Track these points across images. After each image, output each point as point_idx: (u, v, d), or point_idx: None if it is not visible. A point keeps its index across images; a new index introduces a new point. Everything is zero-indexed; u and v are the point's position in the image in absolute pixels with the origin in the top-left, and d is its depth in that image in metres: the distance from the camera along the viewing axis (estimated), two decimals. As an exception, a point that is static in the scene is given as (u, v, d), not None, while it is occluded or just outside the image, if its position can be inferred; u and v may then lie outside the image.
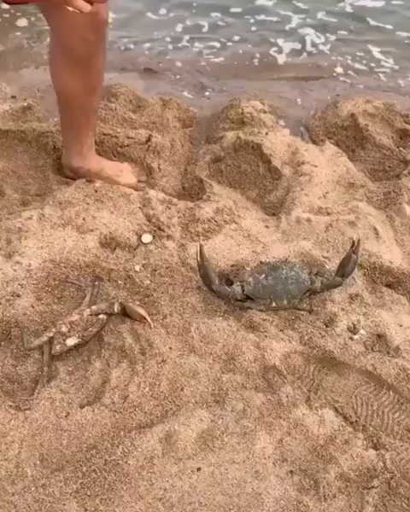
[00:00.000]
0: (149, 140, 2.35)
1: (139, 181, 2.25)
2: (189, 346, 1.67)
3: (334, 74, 3.09)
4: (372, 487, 1.38)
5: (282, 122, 2.62)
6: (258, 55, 3.15)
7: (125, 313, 1.72)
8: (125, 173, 2.21)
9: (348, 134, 2.53)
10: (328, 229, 2.04)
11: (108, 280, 1.84)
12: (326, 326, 1.75)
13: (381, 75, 3.07)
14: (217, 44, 3.24)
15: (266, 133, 2.40)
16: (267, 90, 2.86)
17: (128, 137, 2.35)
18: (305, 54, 3.22)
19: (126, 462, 1.40)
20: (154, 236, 1.98)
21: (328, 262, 1.94)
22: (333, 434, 1.48)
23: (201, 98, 2.87)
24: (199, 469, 1.40)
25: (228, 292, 1.77)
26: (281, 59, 3.20)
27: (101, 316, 1.68)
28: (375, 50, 3.25)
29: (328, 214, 2.11)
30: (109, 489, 1.36)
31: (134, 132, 2.38)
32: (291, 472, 1.41)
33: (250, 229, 2.06)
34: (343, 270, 1.82)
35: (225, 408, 1.53)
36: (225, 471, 1.40)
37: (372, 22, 3.39)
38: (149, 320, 1.70)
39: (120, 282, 1.85)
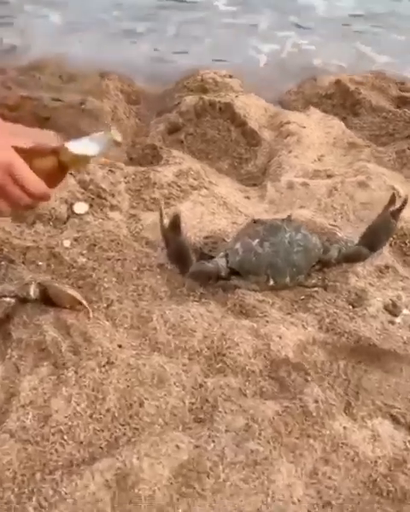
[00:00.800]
0: (83, 103, 1.89)
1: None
2: (150, 341, 1.13)
3: (314, 64, 2.71)
4: None
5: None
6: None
7: (48, 299, 1.17)
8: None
9: (334, 102, 2.15)
10: (332, 194, 1.58)
11: (23, 262, 1.30)
12: (352, 306, 1.24)
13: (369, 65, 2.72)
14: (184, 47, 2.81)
15: (236, 96, 1.97)
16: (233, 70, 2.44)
17: (55, 100, 1.87)
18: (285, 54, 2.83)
19: (46, 528, 0.81)
20: (91, 205, 1.46)
21: (339, 230, 1.46)
22: (399, 456, 0.93)
23: (151, 77, 2.45)
24: (180, 530, 0.82)
25: (210, 269, 1.25)
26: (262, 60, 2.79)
27: (7, 299, 1.13)
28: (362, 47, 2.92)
29: (329, 177, 1.65)
30: None
31: (63, 95, 1.92)
32: (343, 524, 0.85)
33: (227, 198, 1.58)
34: (373, 240, 1.33)
35: (216, 427, 0.97)
36: (226, 531, 0.82)
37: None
38: (86, 304, 1.15)
39: (40, 263, 1.31)
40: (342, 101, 2.13)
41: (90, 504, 0.83)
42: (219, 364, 1.08)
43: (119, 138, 1.03)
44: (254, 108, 1.92)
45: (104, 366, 1.06)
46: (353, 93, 2.11)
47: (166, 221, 1.23)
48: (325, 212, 1.55)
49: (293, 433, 0.96)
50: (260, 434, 0.95)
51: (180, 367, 1.08)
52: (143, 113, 2.15)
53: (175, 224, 1.20)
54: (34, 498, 0.83)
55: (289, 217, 1.34)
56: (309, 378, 1.05)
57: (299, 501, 0.87)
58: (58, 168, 1.01)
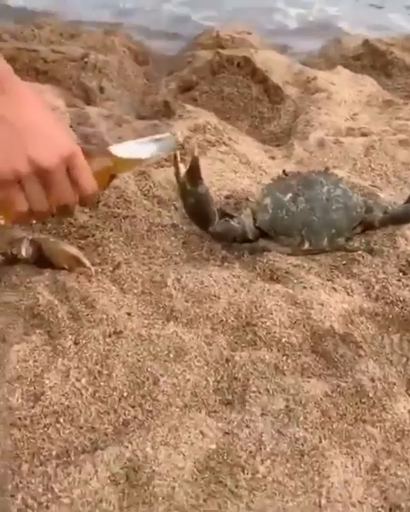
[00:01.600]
0: (85, 56, 1.70)
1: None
2: (164, 309, 0.95)
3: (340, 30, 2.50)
4: None
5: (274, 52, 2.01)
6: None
7: (42, 259, 0.99)
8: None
9: (363, 63, 1.98)
10: (369, 153, 1.41)
11: (15, 221, 1.11)
12: (404, 273, 1.05)
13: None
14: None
15: (256, 51, 1.79)
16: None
17: (54, 52, 1.69)
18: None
19: (33, 534, 0.62)
20: (95, 160, 1.28)
21: (380, 192, 1.28)
22: None
23: (162, 39, 2.26)
24: (209, 540, 0.64)
25: (235, 229, 1.07)
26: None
27: (-7, 256, 0.95)
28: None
29: (364, 135, 1.47)
30: None
31: (65, 47, 1.74)
32: (418, 532, 0.66)
33: (249, 156, 1.40)
34: None
35: (249, 409, 0.78)
36: (269, 540, 0.64)
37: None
38: (89, 264, 0.97)
39: (34, 221, 1.12)
40: (371, 62, 1.96)
41: (92, 505, 0.65)
42: (249, 336, 0.90)
43: (180, 139, 1.03)
44: (276, 64, 1.74)
45: (110, 336, 0.88)
46: (384, 53, 1.93)
47: (183, 170, 1.04)
48: (361, 172, 1.38)
49: (346, 417, 0.77)
50: (305, 419, 0.76)
51: (202, 338, 0.89)
52: (152, 74, 1.97)
53: (194, 170, 1.01)
54: (19, 496, 0.64)
55: (326, 169, 1.15)
56: (362, 352, 0.86)
57: (360, 503, 0.68)
58: (106, 173, 0.97)
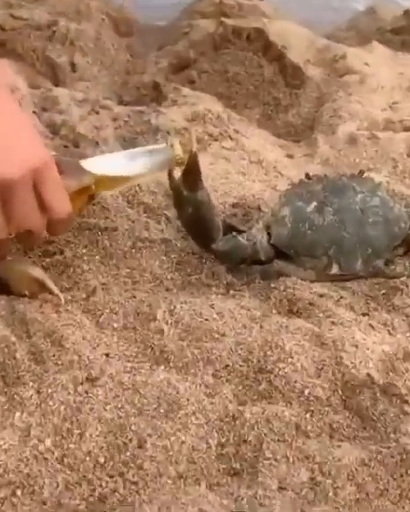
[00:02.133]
0: (54, 24, 1.74)
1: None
2: (152, 349, 0.97)
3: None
4: None
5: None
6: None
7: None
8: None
9: (403, 38, 2.08)
10: (413, 151, 1.45)
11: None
12: None
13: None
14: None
15: (269, 21, 1.84)
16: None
17: (14, 17, 1.73)
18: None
19: None
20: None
21: (426, 202, 1.32)
22: None
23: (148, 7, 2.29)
24: None
25: (245, 247, 1.10)
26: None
27: None
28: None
29: (407, 129, 1.54)
30: None
31: (27, 12, 1.78)
32: None
33: (261, 153, 1.44)
34: None
35: (263, 482, 0.78)
36: None
37: None
38: (56, 290, 0.99)
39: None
40: (414, 37, 2.01)
41: None
42: (263, 386, 0.91)
43: (180, 153, 1.01)
44: (295, 37, 1.80)
45: (83, 384, 0.88)
46: (430, 26, 1.98)
47: (178, 171, 1.06)
48: (404, 177, 1.44)
49: (388, 493, 0.78)
50: (335, 495, 0.76)
51: (201, 389, 0.90)
52: (138, 49, 2.02)
53: (192, 171, 1.03)
54: None
55: (360, 172, 1.18)
56: (407, 409, 0.87)
57: None
58: (84, 193, 1.00)
